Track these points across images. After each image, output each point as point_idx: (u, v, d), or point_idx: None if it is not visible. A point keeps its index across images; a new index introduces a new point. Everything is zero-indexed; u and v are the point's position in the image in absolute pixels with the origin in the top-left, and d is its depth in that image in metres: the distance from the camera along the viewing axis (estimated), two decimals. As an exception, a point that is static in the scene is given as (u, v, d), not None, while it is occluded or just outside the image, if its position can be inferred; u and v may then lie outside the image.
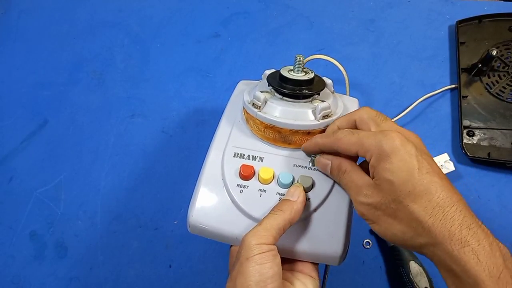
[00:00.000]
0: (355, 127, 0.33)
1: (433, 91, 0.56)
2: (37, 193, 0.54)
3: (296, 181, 0.34)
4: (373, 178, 0.29)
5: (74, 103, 0.60)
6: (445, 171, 0.50)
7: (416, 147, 0.28)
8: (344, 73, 0.48)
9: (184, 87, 0.60)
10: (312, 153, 0.35)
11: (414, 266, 0.45)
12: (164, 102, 0.59)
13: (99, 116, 0.59)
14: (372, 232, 0.50)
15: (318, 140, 0.33)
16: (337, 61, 0.46)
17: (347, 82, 0.50)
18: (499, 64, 0.56)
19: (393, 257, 0.48)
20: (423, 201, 0.26)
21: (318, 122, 0.35)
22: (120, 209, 0.53)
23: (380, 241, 0.50)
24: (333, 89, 0.40)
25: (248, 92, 0.38)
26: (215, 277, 0.50)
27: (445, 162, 0.50)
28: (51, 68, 0.63)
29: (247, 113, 0.37)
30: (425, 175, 0.27)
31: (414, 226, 0.27)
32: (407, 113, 0.54)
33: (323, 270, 0.41)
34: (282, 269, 0.33)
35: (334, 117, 0.36)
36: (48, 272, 0.50)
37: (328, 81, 0.39)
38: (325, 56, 0.47)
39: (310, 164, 0.35)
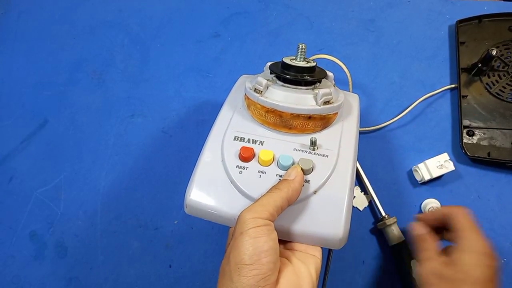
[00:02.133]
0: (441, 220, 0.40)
1: (433, 91, 0.56)
2: (37, 193, 0.54)
3: (296, 163, 0.34)
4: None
5: (74, 103, 0.60)
6: (445, 171, 0.50)
7: (498, 265, 0.35)
8: (346, 70, 0.49)
9: (184, 87, 0.60)
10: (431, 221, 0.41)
11: (415, 266, 0.45)
12: (164, 102, 0.59)
13: (99, 116, 0.59)
14: (372, 231, 0.50)
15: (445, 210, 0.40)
16: (339, 60, 0.47)
17: (349, 79, 0.50)
18: (499, 64, 0.56)
19: (394, 256, 0.48)
20: None
21: (319, 107, 0.35)
22: (120, 209, 0.53)
23: (380, 241, 0.50)
24: (334, 82, 0.41)
25: (250, 81, 0.38)
26: (215, 277, 0.49)
27: (445, 162, 0.50)
28: (51, 68, 0.63)
29: (248, 99, 0.37)
30: (491, 284, 0.34)
31: None
32: (407, 113, 0.54)
33: (324, 270, 0.41)
34: (283, 248, 0.34)
35: (335, 105, 0.36)
36: (48, 272, 0.50)
37: (330, 73, 0.40)
38: (328, 56, 0.47)
39: (310, 147, 0.35)
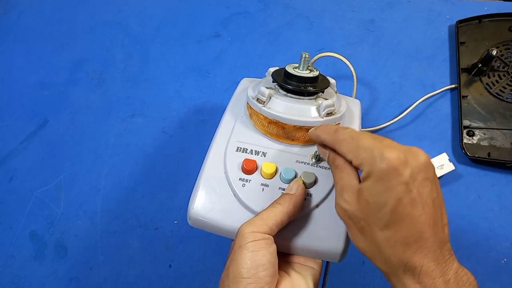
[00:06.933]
0: None
1: (433, 91, 0.56)
2: (37, 193, 0.54)
3: (298, 177, 0.34)
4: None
5: (74, 103, 0.60)
6: (445, 171, 0.50)
7: (412, 173, 0.25)
8: (352, 69, 0.49)
9: (184, 87, 0.60)
10: (315, 142, 0.35)
11: None
12: (164, 102, 0.59)
13: (99, 116, 0.59)
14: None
15: (320, 135, 0.32)
16: (346, 59, 0.47)
17: (355, 77, 0.50)
18: (499, 64, 0.56)
19: None
20: (390, 232, 0.26)
21: (322, 119, 0.35)
22: (120, 209, 0.53)
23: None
24: (336, 89, 0.41)
25: (252, 88, 0.38)
26: (215, 277, 0.50)
27: (445, 162, 0.50)
28: (51, 68, 0.63)
29: (251, 108, 0.37)
30: (403, 207, 0.25)
31: (373, 251, 0.27)
32: (407, 113, 0.55)
33: (324, 270, 0.41)
34: (282, 261, 0.34)
35: (337, 115, 0.36)
36: (48, 272, 0.50)
37: (332, 80, 0.40)
38: (334, 54, 0.47)
39: (313, 160, 0.35)
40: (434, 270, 0.25)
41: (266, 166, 0.34)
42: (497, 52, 0.52)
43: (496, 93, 0.54)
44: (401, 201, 0.25)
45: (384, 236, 0.26)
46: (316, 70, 0.37)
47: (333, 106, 0.35)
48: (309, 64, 0.37)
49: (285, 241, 0.33)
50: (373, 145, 0.26)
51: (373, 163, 0.25)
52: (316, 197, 0.34)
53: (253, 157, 0.35)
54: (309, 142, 0.36)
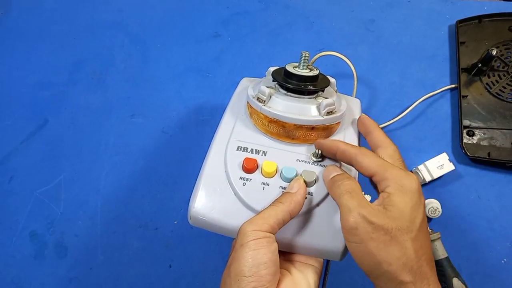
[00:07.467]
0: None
1: (433, 91, 0.56)
2: (37, 193, 0.54)
3: (299, 175, 0.34)
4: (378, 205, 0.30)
5: (74, 103, 0.60)
6: (445, 171, 0.50)
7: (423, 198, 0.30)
8: (353, 68, 0.49)
9: (184, 87, 0.60)
10: (326, 154, 0.35)
11: (457, 284, 0.44)
12: (164, 102, 0.59)
13: (99, 116, 0.59)
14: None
15: (341, 145, 0.33)
16: (347, 58, 0.47)
17: (355, 78, 0.50)
18: (499, 64, 0.56)
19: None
20: (418, 243, 0.28)
21: (322, 118, 0.35)
22: (120, 209, 0.53)
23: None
24: (336, 88, 0.41)
25: (252, 87, 0.38)
26: (215, 277, 0.50)
27: (445, 162, 0.50)
28: (51, 68, 0.63)
29: (251, 107, 0.37)
30: (424, 224, 0.30)
31: (399, 259, 0.27)
32: (407, 113, 0.54)
33: (324, 270, 0.41)
34: (283, 260, 0.34)
35: (337, 114, 0.36)
36: (48, 272, 0.50)
37: (332, 79, 0.40)
38: (334, 53, 0.47)
39: (313, 158, 0.35)
40: (434, 281, 0.29)
41: (267, 165, 0.34)
42: (497, 52, 0.52)
43: (496, 93, 0.55)
44: (424, 219, 0.29)
45: (414, 245, 0.28)
46: (316, 69, 0.37)
47: (333, 105, 0.35)
48: (309, 63, 0.37)
49: (286, 240, 0.33)
50: (396, 166, 0.31)
51: (404, 180, 0.29)
52: (316, 196, 0.34)
53: (253, 156, 0.35)
54: (309, 141, 0.36)
